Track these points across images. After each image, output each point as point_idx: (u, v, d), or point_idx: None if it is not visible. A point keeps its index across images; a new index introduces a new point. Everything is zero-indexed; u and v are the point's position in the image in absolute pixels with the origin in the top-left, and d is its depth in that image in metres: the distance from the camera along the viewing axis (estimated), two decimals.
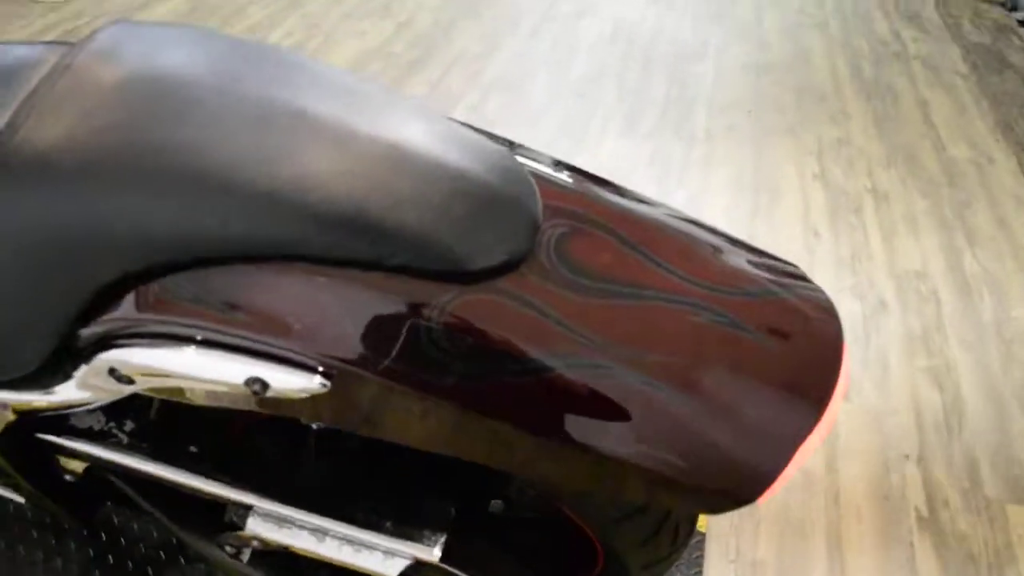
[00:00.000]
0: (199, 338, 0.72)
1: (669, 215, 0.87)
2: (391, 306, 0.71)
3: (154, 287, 0.73)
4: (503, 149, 0.83)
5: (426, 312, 0.71)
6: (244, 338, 0.71)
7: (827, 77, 3.41)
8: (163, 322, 0.73)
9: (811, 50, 3.65)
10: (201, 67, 0.77)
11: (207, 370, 0.73)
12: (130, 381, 0.78)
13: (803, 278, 0.85)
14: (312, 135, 0.73)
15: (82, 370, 0.79)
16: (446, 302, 0.71)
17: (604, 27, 3.69)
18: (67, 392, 0.82)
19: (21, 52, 0.87)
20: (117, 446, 0.97)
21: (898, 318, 2.17)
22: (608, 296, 0.74)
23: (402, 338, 0.70)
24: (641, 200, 0.89)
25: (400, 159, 0.74)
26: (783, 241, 2.41)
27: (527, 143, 2.78)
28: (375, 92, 0.83)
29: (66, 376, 0.81)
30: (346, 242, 0.70)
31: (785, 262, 0.87)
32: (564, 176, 0.88)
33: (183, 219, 0.70)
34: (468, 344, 0.70)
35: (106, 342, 0.76)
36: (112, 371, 0.76)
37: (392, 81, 3.11)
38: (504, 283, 0.73)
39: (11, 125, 0.73)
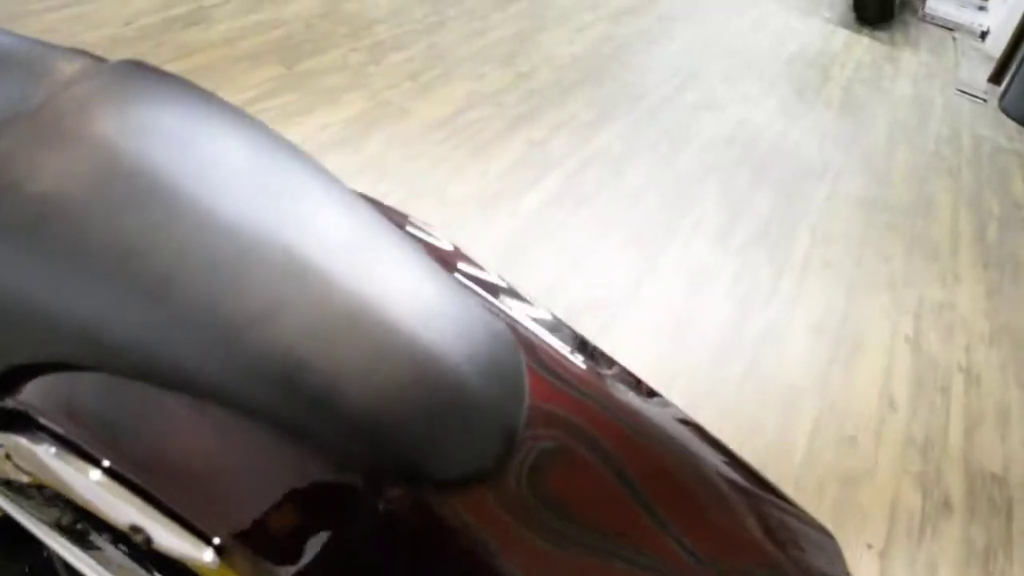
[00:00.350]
0: (104, 464, 0.62)
1: (688, 437, 0.73)
2: (310, 492, 0.59)
3: (64, 386, 0.63)
4: (500, 328, 0.70)
5: (346, 511, 0.58)
6: (144, 479, 0.60)
7: (946, 232, 3.19)
8: (66, 427, 0.63)
9: (935, 198, 3.43)
10: (190, 154, 0.67)
11: (95, 499, 0.62)
12: (27, 471, 0.68)
13: (837, 559, 0.70)
14: (273, 262, 0.62)
15: None
16: (372, 507, 0.58)
17: (725, 125, 3.56)
18: None
19: (35, 54, 0.79)
20: (32, 509, 0.87)
21: (961, 524, 1.95)
22: (577, 549, 0.60)
23: (311, 534, 0.58)
24: (662, 405, 0.75)
25: (364, 317, 0.61)
26: (853, 404, 2.21)
27: (615, 225, 2.66)
28: (374, 228, 0.71)
29: None
30: (270, 400, 0.58)
31: (819, 528, 0.72)
32: (573, 364, 0.74)
33: (96, 320, 0.59)
34: (385, 567, 0.58)
35: (13, 423, 0.66)
36: (8, 456, 0.67)
37: (494, 132, 3.04)
38: (449, 502, 0.59)
39: None
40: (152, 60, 2.94)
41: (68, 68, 0.76)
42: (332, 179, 0.73)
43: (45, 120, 0.67)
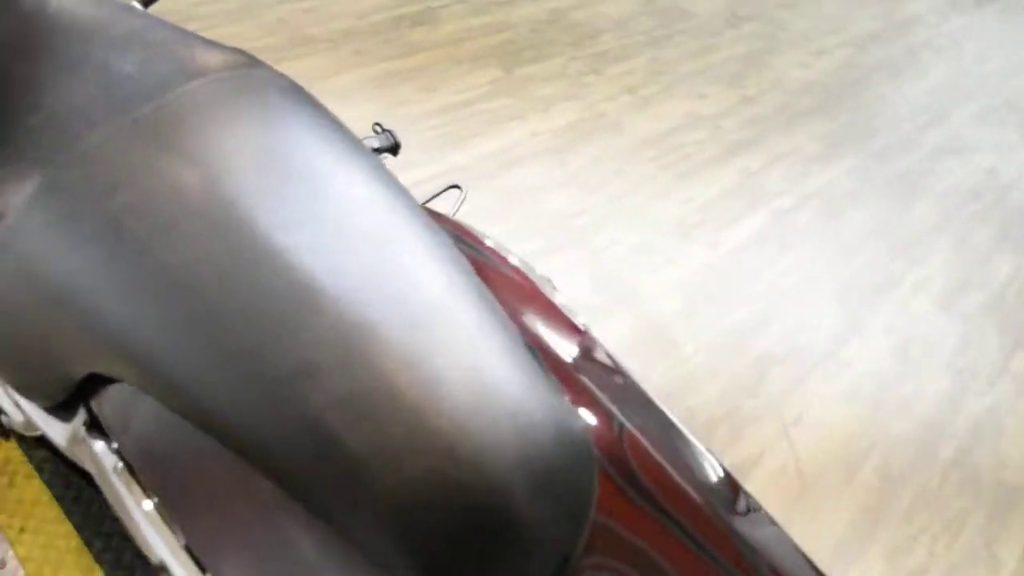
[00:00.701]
0: (154, 500, 0.60)
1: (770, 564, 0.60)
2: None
3: (133, 408, 0.62)
4: (574, 426, 0.59)
5: None
6: (181, 526, 0.58)
7: None
8: (128, 451, 0.61)
9: None
10: (283, 188, 0.63)
11: (140, 525, 0.61)
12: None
13: None
14: (331, 315, 0.56)
15: (71, 429, 0.71)
16: None
17: (971, 173, 3.19)
18: (58, 438, 0.74)
19: (182, 44, 0.78)
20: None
21: None
22: None
23: None
24: (765, 527, 0.63)
25: (408, 392, 0.53)
26: None
27: (826, 273, 2.43)
28: (458, 293, 0.63)
29: (64, 423, 0.74)
30: (294, 466, 0.53)
31: None
32: (666, 472, 0.63)
33: (146, 343, 0.57)
34: None
35: (97, 428, 0.67)
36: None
37: (708, 156, 2.89)
38: None
39: (87, 150, 0.64)
40: (377, 56, 3.05)
41: (208, 63, 0.74)
42: (433, 234, 0.67)
43: (156, 119, 0.65)
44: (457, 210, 1.22)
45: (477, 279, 0.65)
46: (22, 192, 0.65)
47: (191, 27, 3.06)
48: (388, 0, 3.40)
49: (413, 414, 0.53)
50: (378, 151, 1.15)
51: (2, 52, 0.76)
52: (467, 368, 0.56)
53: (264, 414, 0.54)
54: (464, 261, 0.66)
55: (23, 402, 0.77)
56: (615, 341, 2.05)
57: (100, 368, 0.62)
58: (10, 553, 1.35)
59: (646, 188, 2.67)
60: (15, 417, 0.78)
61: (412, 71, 2.99)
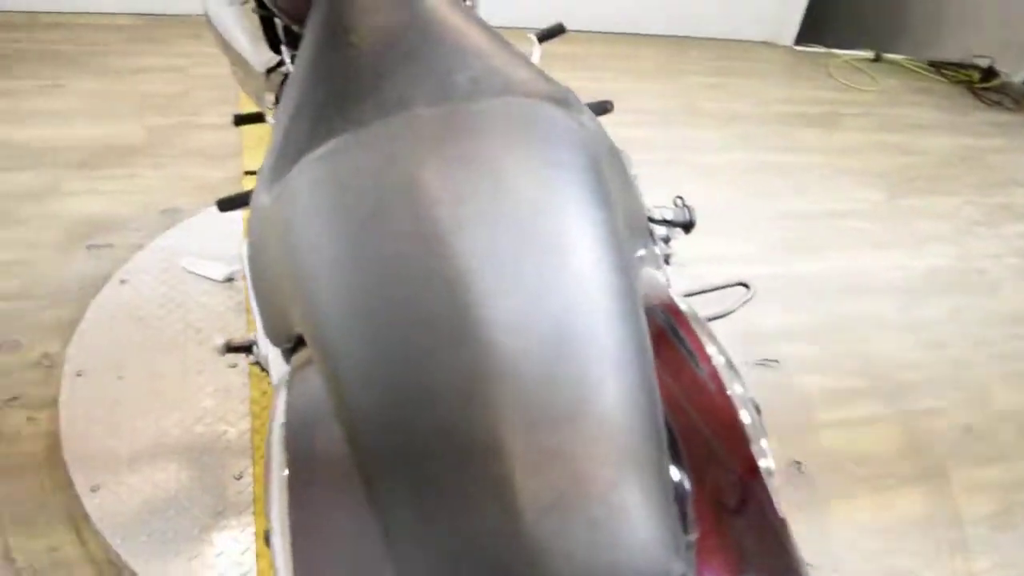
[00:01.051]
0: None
1: None
2: None
3: (300, 375, 0.69)
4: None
5: None
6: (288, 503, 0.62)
7: None
8: (286, 424, 0.68)
9: None
10: (514, 241, 0.63)
11: (272, 487, 0.65)
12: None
13: None
14: (477, 368, 0.55)
15: (281, 375, 0.78)
16: None
17: None
18: (273, 379, 0.83)
19: (514, 68, 0.83)
20: None
21: None
22: None
23: None
24: None
25: (501, 476, 0.51)
26: None
27: None
28: (619, 404, 0.57)
29: (281, 368, 0.82)
30: (368, 478, 0.56)
31: None
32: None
33: (329, 326, 0.64)
34: None
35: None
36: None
37: None
38: None
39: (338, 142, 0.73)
40: (761, 145, 3.03)
41: (519, 87, 0.79)
42: (631, 330, 0.62)
43: (434, 120, 0.72)
44: (737, 309, 1.10)
45: (655, 393, 0.61)
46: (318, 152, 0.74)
47: (593, 86, 3.26)
48: (796, 95, 3.36)
49: (487, 481, 0.51)
50: (669, 223, 1.11)
51: (373, 36, 0.86)
52: (577, 470, 0.52)
53: (365, 411, 0.58)
54: (649, 369, 0.62)
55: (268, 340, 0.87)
56: (898, 513, 1.86)
57: (300, 329, 0.70)
58: (249, 471, 1.53)
59: (1000, 367, 2.38)
60: (262, 350, 0.89)
61: (791, 168, 2.94)
